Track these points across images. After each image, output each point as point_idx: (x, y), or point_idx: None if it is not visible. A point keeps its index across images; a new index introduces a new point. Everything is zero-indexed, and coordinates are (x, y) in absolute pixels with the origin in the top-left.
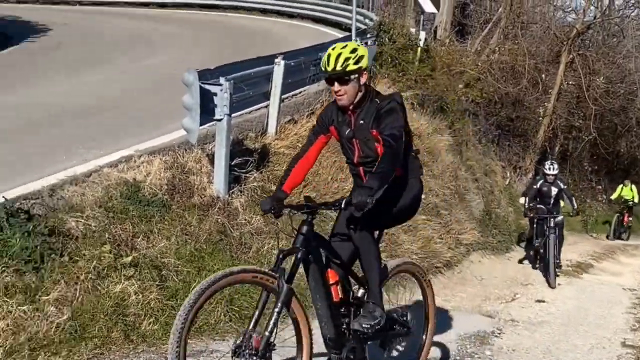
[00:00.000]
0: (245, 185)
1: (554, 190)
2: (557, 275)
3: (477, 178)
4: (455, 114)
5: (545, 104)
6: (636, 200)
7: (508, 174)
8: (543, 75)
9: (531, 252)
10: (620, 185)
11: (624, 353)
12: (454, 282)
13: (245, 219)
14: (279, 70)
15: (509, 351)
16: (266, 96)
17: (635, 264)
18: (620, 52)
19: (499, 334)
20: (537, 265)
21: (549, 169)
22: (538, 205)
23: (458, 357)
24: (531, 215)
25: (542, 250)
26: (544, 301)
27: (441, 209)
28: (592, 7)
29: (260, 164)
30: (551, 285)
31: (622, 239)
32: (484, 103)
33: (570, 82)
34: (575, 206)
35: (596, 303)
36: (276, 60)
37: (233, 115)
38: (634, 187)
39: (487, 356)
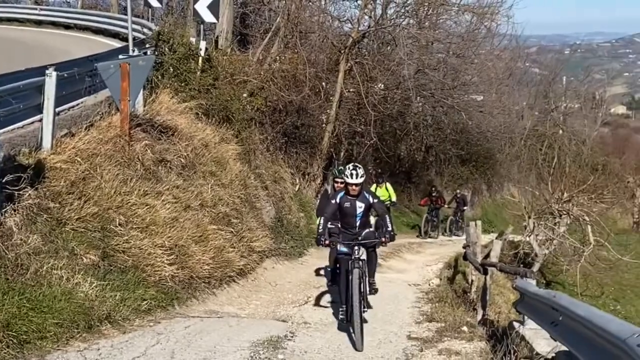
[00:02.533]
0: (19, 203)
1: (360, 207)
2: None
3: (266, 185)
4: (241, 122)
5: (328, 111)
6: (393, 199)
7: (297, 180)
8: (324, 83)
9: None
10: (374, 185)
11: (410, 345)
12: (248, 289)
13: (22, 239)
14: (50, 82)
15: (302, 353)
16: (39, 109)
17: (419, 261)
18: (393, 59)
19: (292, 337)
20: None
21: (351, 176)
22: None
23: None
24: (327, 243)
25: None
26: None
27: (232, 217)
28: (366, 17)
29: (36, 180)
30: (357, 349)
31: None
32: (269, 111)
33: (351, 90)
34: (390, 228)
35: (385, 300)
36: (47, 71)
37: (2, 130)
38: (389, 186)
39: None
